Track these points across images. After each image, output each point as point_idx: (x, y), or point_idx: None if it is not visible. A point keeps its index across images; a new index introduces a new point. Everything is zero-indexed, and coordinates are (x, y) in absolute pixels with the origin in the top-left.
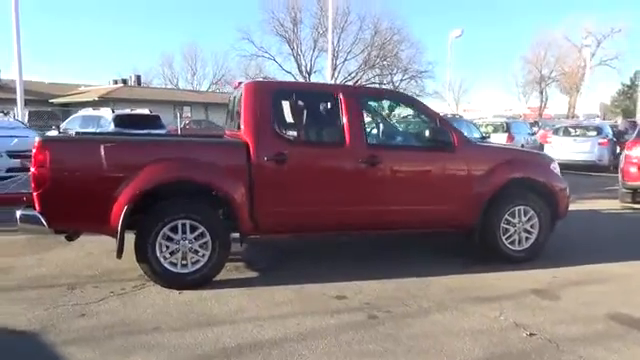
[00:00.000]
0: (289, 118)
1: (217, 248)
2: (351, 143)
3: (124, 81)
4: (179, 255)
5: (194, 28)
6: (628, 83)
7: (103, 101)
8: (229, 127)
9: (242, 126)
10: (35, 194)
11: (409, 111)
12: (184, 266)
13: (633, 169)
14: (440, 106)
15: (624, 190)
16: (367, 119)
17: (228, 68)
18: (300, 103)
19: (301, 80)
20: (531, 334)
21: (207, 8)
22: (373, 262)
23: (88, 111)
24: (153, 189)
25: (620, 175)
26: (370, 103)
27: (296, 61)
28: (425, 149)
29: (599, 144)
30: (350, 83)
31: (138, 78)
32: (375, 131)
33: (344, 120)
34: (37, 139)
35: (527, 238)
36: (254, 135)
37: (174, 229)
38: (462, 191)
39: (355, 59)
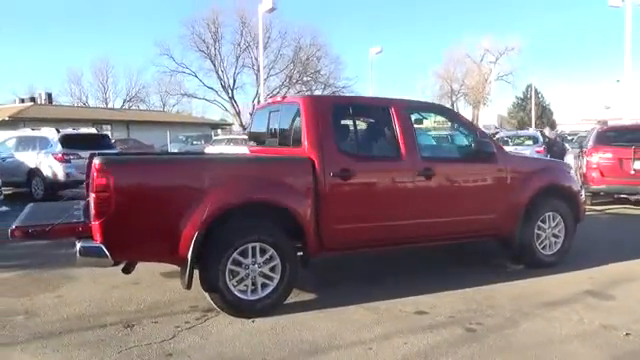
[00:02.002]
0: (348, 133)
1: (287, 271)
2: (407, 156)
3: (32, 99)
4: (249, 281)
5: (103, 44)
6: (521, 96)
7: (14, 121)
8: (255, 144)
9: (305, 142)
10: (96, 223)
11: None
12: (254, 292)
13: (594, 174)
14: None
15: (587, 193)
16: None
17: (142, 84)
18: (356, 117)
19: (226, 97)
20: (627, 334)
21: (116, 22)
22: (420, 275)
23: (25, 132)
24: (225, 212)
25: (581, 180)
26: (418, 116)
27: (218, 77)
28: (471, 160)
29: (536, 152)
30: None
31: (49, 96)
32: (425, 144)
33: (398, 133)
34: (96, 160)
35: (555, 242)
36: (319, 151)
37: (243, 253)
38: (504, 200)
39: (279, 75)
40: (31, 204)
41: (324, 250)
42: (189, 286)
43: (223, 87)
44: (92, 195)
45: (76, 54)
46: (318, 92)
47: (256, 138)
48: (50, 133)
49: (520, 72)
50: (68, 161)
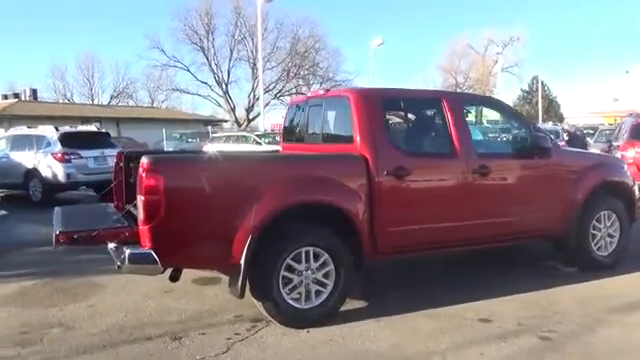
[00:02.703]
0: (401, 128)
1: (341, 277)
2: (462, 153)
3: (16, 95)
4: (302, 288)
5: (88, 37)
6: (527, 89)
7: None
8: (289, 140)
9: (357, 139)
10: (145, 227)
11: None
12: (307, 300)
13: (631, 169)
14: None
15: None
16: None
17: (131, 79)
18: (408, 111)
19: (219, 92)
20: None
21: (101, 14)
22: (471, 279)
23: (22, 130)
24: (279, 214)
25: None
26: (470, 109)
27: (212, 71)
28: (526, 156)
29: None
30: (272, 93)
31: (34, 92)
32: (479, 139)
33: (452, 128)
34: (145, 159)
35: (611, 243)
36: (372, 148)
37: (296, 259)
38: (560, 198)
39: (275, 69)
40: (58, 208)
41: (377, 254)
42: (242, 294)
43: (217, 82)
44: (140, 197)
45: (59, 47)
46: (316, 86)
47: (291, 135)
48: (48, 131)
49: (526, 63)
50: (69, 161)
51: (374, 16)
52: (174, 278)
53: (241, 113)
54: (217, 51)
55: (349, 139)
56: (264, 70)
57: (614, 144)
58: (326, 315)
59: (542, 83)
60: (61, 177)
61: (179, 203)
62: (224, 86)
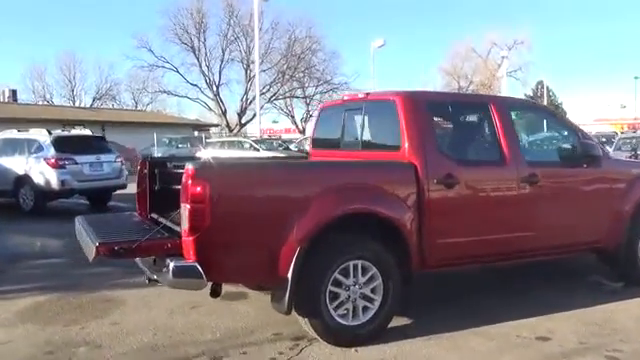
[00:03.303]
0: (449, 134)
1: (390, 292)
2: (511, 161)
3: None
4: (349, 304)
5: (69, 36)
6: (531, 94)
7: None
8: (321, 147)
9: (405, 145)
10: (190, 239)
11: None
12: (354, 317)
13: None
14: None
15: None
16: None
17: (115, 80)
18: (456, 116)
19: (210, 94)
20: None
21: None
22: (514, 294)
23: (12, 133)
24: (328, 224)
25: None
26: (517, 115)
27: (202, 73)
28: (575, 165)
29: None
30: (266, 96)
31: (13, 93)
32: (526, 146)
33: (500, 135)
34: (190, 166)
35: None
36: (421, 155)
37: (344, 272)
38: (610, 209)
39: (268, 71)
40: (80, 217)
41: (425, 267)
42: (289, 311)
43: (207, 83)
44: (185, 206)
45: (38, 46)
46: (311, 90)
47: (323, 141)
48: (41, 135)
49: (530, 68)
50: (63, 167)
51: (374, 17)
52: (215, 293)
53: (232, 117)
54: (208, 51)
55: (395, 146)
56: (259, 72)
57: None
58: (374, 332)
59: (547, 88)
60: (55, 184)
61: (225, 212)
62: (215, 88)
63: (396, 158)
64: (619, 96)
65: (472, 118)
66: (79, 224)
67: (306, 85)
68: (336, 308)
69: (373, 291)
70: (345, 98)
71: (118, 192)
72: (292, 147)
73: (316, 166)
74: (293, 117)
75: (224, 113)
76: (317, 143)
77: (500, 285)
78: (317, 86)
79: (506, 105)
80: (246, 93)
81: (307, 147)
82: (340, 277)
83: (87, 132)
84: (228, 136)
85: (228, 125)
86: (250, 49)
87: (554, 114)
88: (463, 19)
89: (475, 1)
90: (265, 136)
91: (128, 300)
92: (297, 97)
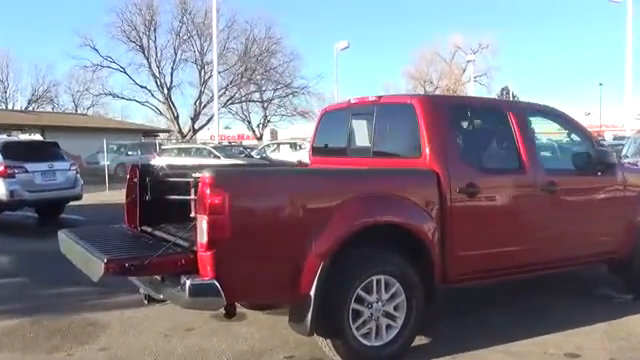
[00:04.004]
0: (468, 140)
1: (413, 309)
2: (530, 169)
3: None
4: (372, 323)
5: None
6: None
7: None
8: (323, 154)
9: (426, 151)
10: (207, 254)
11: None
12: (377, 336)
13: None
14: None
15: None
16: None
17: (53, 82)
18: (474, 121)
19: (160, 97)
20: None
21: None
22: (529, 308)
23: None
24: (351, 237)
25: None
26: (534, 121)
27: (152, 74)
28: (590, 173)
29: None
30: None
31: None
32: (543, 153)
33: (519, 141)
34: (207, 173)
35: None
36: (443, 162)
37: (366, 289)
38: (626, 218)
39: (225, 72)
40: (65, 230)
41: (446, 282)
42: (312, 331)
43: (158, 85)
44: (202, 218)
45: None
46: (269, 93)
47: (326, 148)
48: None
49: (495, 73)
50: (12, 176)
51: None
52: (229, 314)
53: (184, 121)
54: (159, 51)
55: (414, 152)
56: (212, 75)
57: None
58: (398, 353)
59: (512, 95)
60: (3, 195)
61: (246, 225)
62: (166, 91)
63: (415, 165)
64: (583, 103)
65: (490, 123)
66: (68, 238)
67: (264, 88)
68: (359, 327)
69: (396, 308)
70: (352, 101)
71: (71, 203)
72: (254, 154)
73: (340, 174)
74: (250, 122)
75: (176, 118)
76: (318, 150)
77: (508, 299)
78: (276, 89)
79: (523, 110)
80: (200, 96)
81: (270, 154)
82: (363, 294)
83: (38, 137)
84: (181, 142)
85: (180, 131)
86: (204, 49)
87: (570, 120)
88: (428, 22)
89: (440, 4)
90: (225, 142)
91: (112, 323)
92: (254, 101)
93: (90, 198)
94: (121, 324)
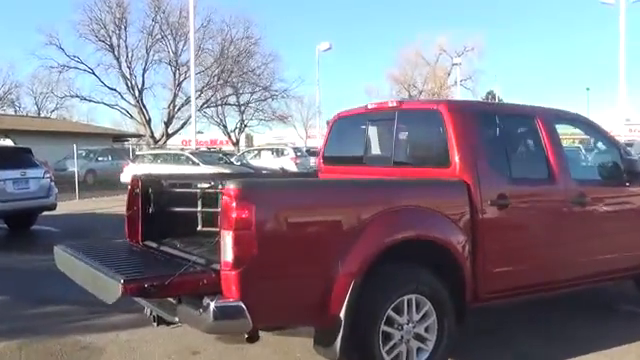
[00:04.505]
0: (497, 149)
1: (445, 331)
2: (560, 179)
3: None
4: (403, 346)
5: None
6: None
7: None
8: (336, 162)
9: (455, 160)
10: (233, 273)
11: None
12: None
13: None
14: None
15: None
16: None
17: (15, 83)
18: (503, 128)
19: (131, 100)
20: None
21: None
22: (557, 324)
23: None
24: (383, 253)
25: None
26: (561, 128)
27: (122, 75)
28: (619, 183)
29: None
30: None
31: None
32: (572, 163)
33: (547, 150)
34: (233, 185)
35: None
36: (474, 172)
37: (397, 309)
38: None
39: (201, 74)
40: (62, 246)
41: (476, 301)
42: (342, 357)
43: (128, 88)
44: (227, 234)
45: None
46: (246, 97)
47: (340, 156)
48: None
49: (481, 77)
50: None
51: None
52: (252, 338)
53: (157, 126)
54: (130, 51)
55: (442, 161)
56: (186, 77)
57: None
58: None
59: (498, 99)
60: None
61: (274, 241)
62: (137, 93)
63: (444, 176)
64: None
65: (518, 130)
66: (68, 254)
67: (241, 91)
68: (388, 351)
69: (427, 330)
70: (369, 106)
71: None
72: (233, 160)
73: (372, 185)
74: (225, 127)
75: (148, 122)
76: (330, 159)
77: (528, 316)
78: (253, 92)
79: (551, 117)
80: (174, 99)
81: (250, 161)
82: (393, 314)
83: (9, 142)
84: (154, 147)
85: (152, 135)
86: (179, 49)
87: (598, 128)
88: (412, 23)
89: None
90: (204, 148)
91: (108, 346)
92: (231, 104)
93: (60, 207)
94: (119, 347)
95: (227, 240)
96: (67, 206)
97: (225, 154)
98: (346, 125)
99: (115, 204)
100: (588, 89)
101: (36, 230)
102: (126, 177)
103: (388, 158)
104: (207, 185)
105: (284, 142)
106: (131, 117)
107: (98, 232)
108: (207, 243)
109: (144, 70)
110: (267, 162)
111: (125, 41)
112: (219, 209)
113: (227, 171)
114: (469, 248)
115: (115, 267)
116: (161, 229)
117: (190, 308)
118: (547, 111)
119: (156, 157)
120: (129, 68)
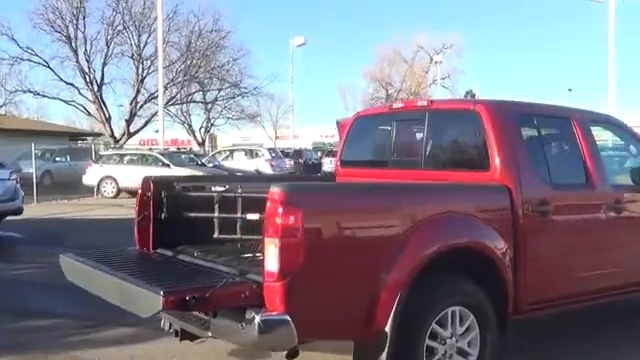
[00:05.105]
0: (537, 152)
1: (487, 345)
2: (599, 184)
3: None
4: None
5: None
6: None
7: None
8: (356, 165)
9: (496, 164)
10: (278, 284)
11: None
12: None
13: None
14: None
15: None
16: None
17: None
18: (541, 130)
19: (90, 95)
20: None
21: None
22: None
23: None
24: (429, 262)
25: None
26: (595, 130)
27: (80, 69)
28: None
29: None
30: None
31: None
32: (606, 167)
33: (585, 153)
34: (278, 189)
35: None
36: (516, 176)
37: (440, 322)
38: None
39: (166, 69)
40: (71, 254)
41: (516, 313)
42: None
43: (87, 82)
44: (272, 242)
45: None
46: (213, 93)
47: (360, 158)
48: None
49: (460, 75)
50: None
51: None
52: (292, 355)
53: (116, 124)
54: (89, 43)
55: (479, 164)
56: (150, 72)
57: None
58: None
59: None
60: None
61: (321, 249)
62: (96, 88)
63: (481, 180)
64: None
65: (556, 132)
66: (83, 264)
67: (207, 88)
68: None
69: (470, 344)
70: (396, 106)
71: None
72: (205, 161)
73: (419, 189)
74: (190, 126)
75: (108, 119)
76: (349, 161)
77: (554, 331)
78: (221, 89)
79: (586, 119)
80: (136, 96)
81: (222, 162)
82: (437, 328)
83: None
84: (116, 147)
85: (113, 134)
86: (142, 42)
87: (630, 131)
88: (390, 19)
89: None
90: (173, 148)
91: None
92: (198, 102)
93: None
94: None
95: (272, 249)
96: (26, 210)
97: (196, 155)
98: (367, 126)
99: (81, 209)
100: (570, 90)
101: None
102: (90, 179)
103: (417, 161)
104: (223, 188)
105: (251, 143)
106: (89, 114)
107: (71, 239)
108: (229, 251)
109: (104, 64)
110: (241, 164)
111: (83, 32)
112: (238, 214)
113: (200, 173)
114: (510, 257)
115: (147, 278)
116: (175, 236)
117: (229, 322)
118: (582, 112)
119: (122, 157)
120: (87, 61)
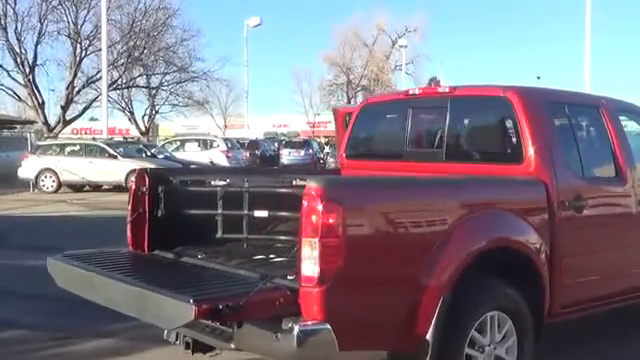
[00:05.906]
0: (570, 144)
1: (525, 352)
2: (630, 177)
3: None
4: None
5: None
6: None
7: None
8: (364, 156)
9: (530, 156)
10: (316, 290)
11: None
12: None
13: None
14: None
15: None
16: None
17: None
18: (572, 120)
19: (20, 79)
20: None
21: None
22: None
23: None
24: (470, 264)
25: None
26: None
27: (10, 49)
28: None
29: None
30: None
31: None
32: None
33: (615, 145)
34: (315, 184)
35: None
36: (552, 170)
37: (479, 328)
38: None
39: (107, 50)
40: (67, 257)
41: (550, 316)
42: None
43: (17, 64)
44: (312, 243)
45: None
46: (158, 78)
47: (369, 149)
48: None
49: (424, 61)
50: None
51: None
52: None
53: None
54: (20, 19)
55: (511, 157)
56: (88, 53)
57: None
58: None
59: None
60: None
61: (362, 251)
62: (28, 70)
63: (513, 173)
64: None
65: (586, 122)
66: (83, 269)
67: (152, 72)
68: None
69: (507, 352)
70: (412, 92)
71: None
72: (154, 152)
73: (459, 183)
74: (132, 113)
75: (41, 105)
76: (355, 151)
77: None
78: (167, 73)
79: (615, 107)
80: (73, 79)
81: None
82: (477, 335)
83: None
84: (51, 137)
85: (47, 122)
86: (80, 19)
87: None
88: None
89: None
90: (120, 138)
91: None
92: (142, 87)
93: None
94: None
95: (310, 251)
96: None
97: (146, 146)
98: (377, 114)
99: (20, 205)
100: (539, 78)
101: None
102: (26, 172)
103: (438, 153)
104: (225, 183)
105: (198, 132)
106: (20, 100)
107: (21, 240)
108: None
109: (37, 43)
110: (193, 155)
111: (14, 7)
112: (245, 211)
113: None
114: (547, 256)
115: (169, 284)
116: (174, 236)
117: (262, 332)
118: (610, 101)
119: (63, 148)
120: (18, 40)
